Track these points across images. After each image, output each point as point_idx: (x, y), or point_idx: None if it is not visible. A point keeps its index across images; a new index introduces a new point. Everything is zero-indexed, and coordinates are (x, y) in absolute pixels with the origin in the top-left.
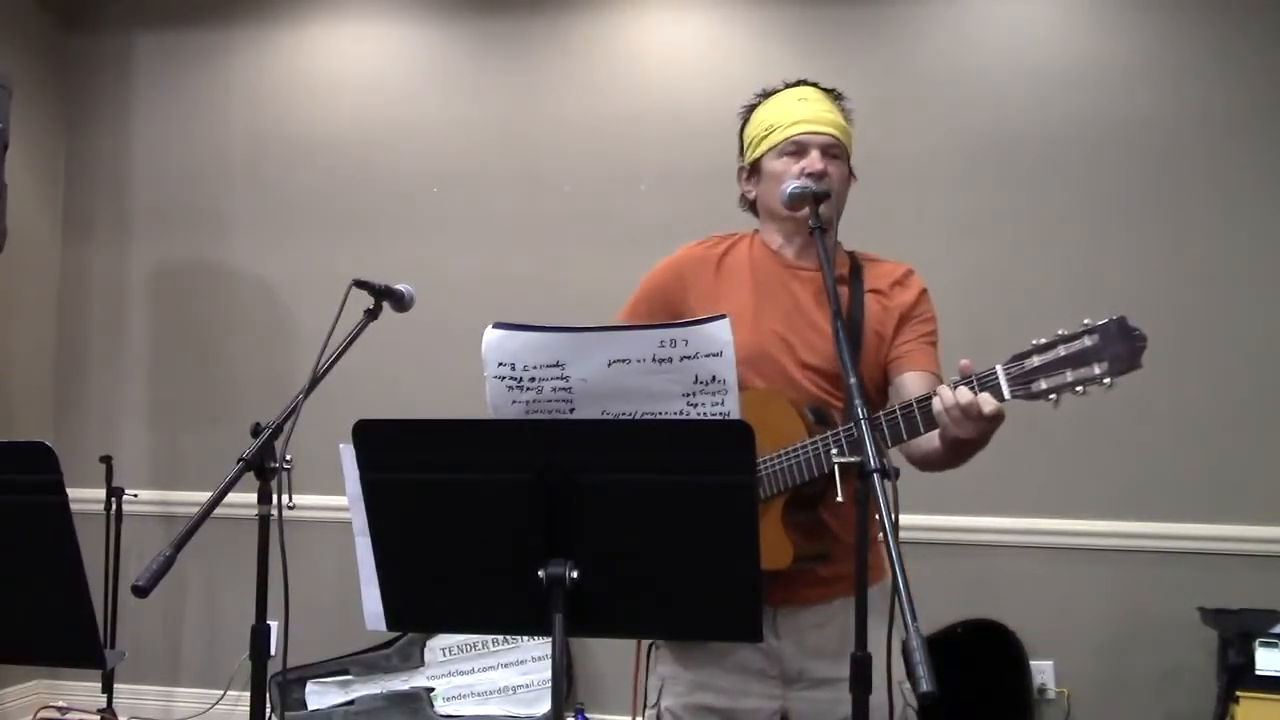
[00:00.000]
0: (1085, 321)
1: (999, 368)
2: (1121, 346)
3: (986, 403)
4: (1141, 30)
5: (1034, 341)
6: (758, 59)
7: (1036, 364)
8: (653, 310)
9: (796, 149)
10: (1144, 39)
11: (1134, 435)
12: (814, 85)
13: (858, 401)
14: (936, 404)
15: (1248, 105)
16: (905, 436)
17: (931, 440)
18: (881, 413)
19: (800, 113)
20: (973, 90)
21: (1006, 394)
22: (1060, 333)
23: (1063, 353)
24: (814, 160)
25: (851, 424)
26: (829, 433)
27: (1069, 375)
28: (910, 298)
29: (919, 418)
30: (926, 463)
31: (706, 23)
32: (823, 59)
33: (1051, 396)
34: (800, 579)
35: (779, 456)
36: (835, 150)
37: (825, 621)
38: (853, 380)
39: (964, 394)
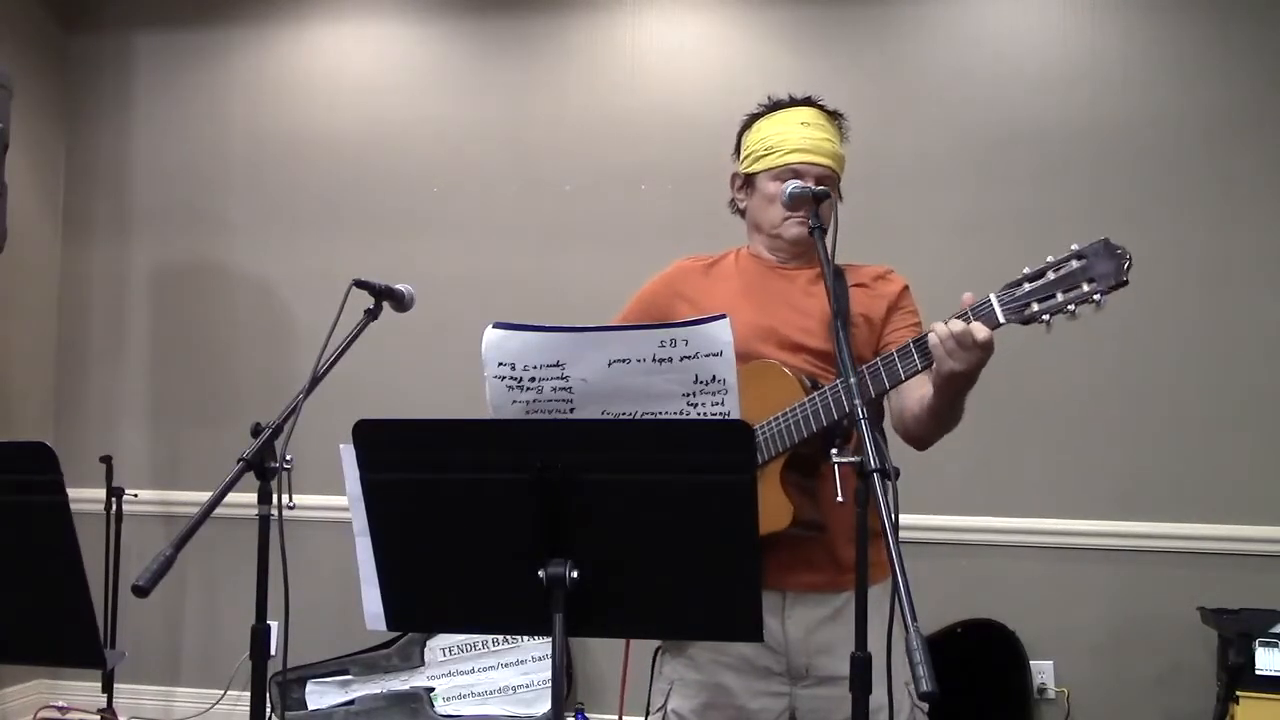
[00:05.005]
0: (1073, 246)
1: (993, 295)
2: (1108, 264)
3: (979, 330)
4: (1141, 30)
5: (1025, 270)
6: (758, 59)
7: (1028, 289)
8: (643, 318)
9: (793, 177)
10: (1144, 39)
11: (1134, 435)
12: (818, 107)
13: (858, 402)
14: (932, 338)
15: (1248, 105)
16: (903, 376)
17: (924, 388)
18: (879, 358)
19: (800, 140)
20: (972, 90)
21: (1001, 318)
22: (1049, 259)
23: (1052, 277)
24: None
25: (842, 378)
26: (826, 386)
27: (1060, 296)
28: (895, 289)
29: (915, 355)
30: (918, 422)
31: (707, 23)
32: (823, 59)
33: (1045, 318)
34: (810, 562)
35: (777, 419)
36: (827, 181)
37: (833, 615)
38: (852, 380)
39: (956, 324)
